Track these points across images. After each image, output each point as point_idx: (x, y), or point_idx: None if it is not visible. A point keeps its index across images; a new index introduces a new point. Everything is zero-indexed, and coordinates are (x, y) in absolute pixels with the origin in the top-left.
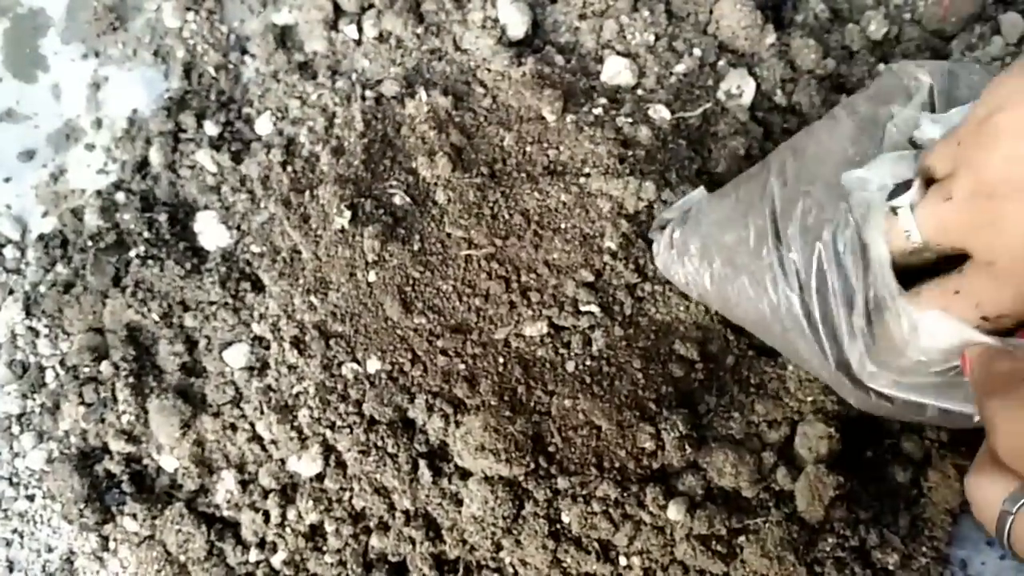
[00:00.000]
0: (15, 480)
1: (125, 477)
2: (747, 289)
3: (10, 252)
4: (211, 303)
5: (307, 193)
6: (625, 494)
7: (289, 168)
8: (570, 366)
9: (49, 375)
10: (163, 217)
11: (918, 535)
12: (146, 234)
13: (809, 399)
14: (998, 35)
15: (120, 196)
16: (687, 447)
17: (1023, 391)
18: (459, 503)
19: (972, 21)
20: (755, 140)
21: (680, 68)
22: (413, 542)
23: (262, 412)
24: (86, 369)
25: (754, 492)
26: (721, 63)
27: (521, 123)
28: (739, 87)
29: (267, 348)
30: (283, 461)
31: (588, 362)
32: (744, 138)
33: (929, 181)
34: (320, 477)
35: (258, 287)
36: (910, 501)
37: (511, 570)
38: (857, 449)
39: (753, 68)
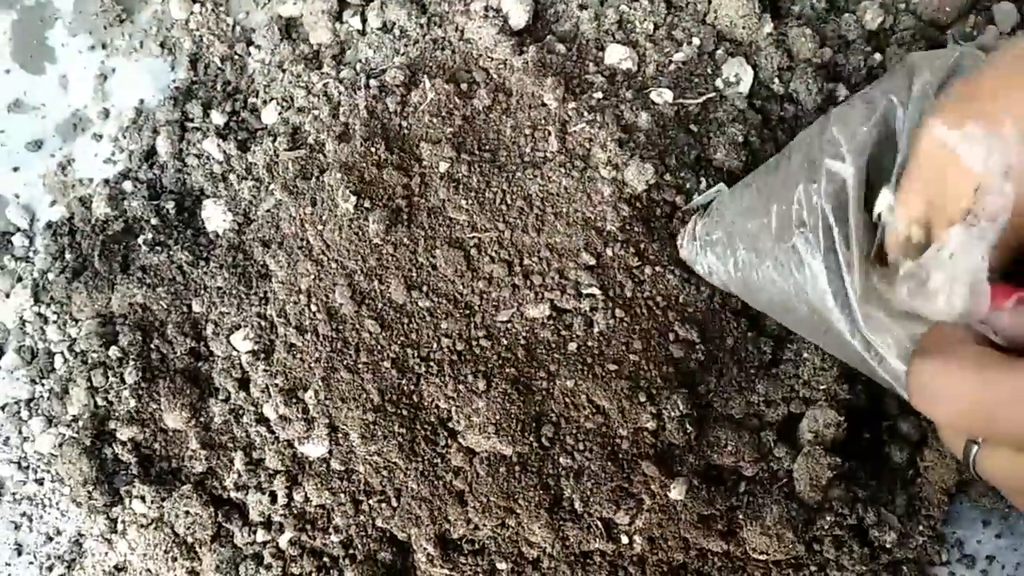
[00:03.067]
0: (24, 464)
1: (133, 460)
2: (771, 273)
3: (19, 240)
4: (218, 289)
5: (313, 180)
6: (627, 473)
7: (295, 155)
8: (572, 347)
9: (58, 360)
10: (170, 205)
11: (915, 514)
12: (154, 221)
13: (822, 387)
14: (992, 24)
15: (127, 185)
16: (688, 426)
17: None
18: (464, 482)
19: (967, 10)
20: (753, 128)
21: (679, 56)
22: (418, 521)
23: (269, 395)
24: (95, 354)
25: (754, 471)
26: (719, 52)
27: (523, 110)
28: (737, 75)
29: (273, 332)
30: (290, 443)
31: (590, 343)
32: (742, 125)
33: None
34: (326, 458)
35: (264, 272)
36: (907, 481)
37: (515, 548)
38: (855, 430)
39: (751, 57)
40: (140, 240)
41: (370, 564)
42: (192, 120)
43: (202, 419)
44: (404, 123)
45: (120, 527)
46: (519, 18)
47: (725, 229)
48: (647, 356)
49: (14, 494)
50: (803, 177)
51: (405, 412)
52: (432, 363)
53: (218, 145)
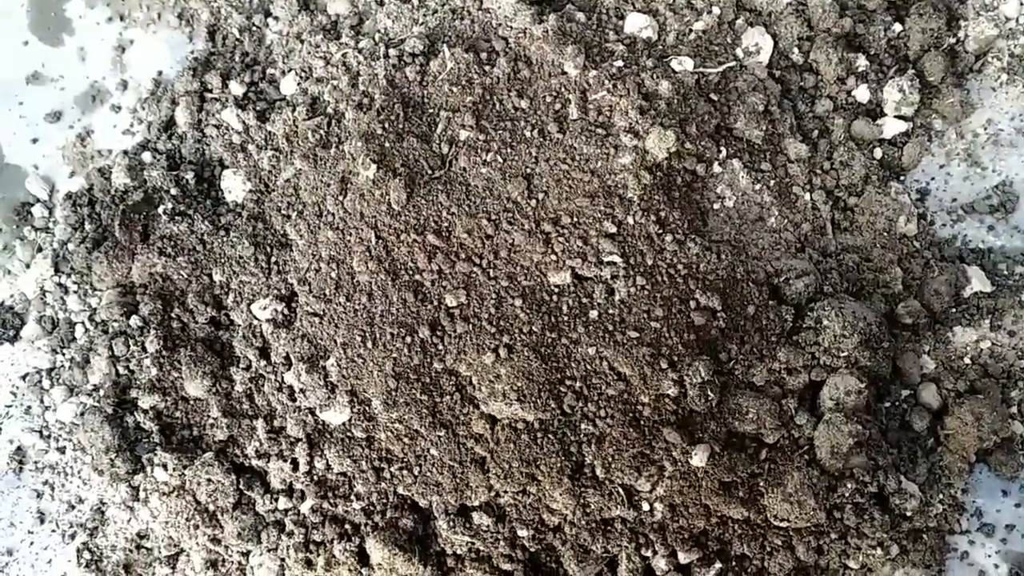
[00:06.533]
0: (46, 433)
1: (155, 428)
2: None
3: (39, 211)
4: (238, 258)
5: (332, 149)
6: (648, 440)
7: (314, 125)
8: (593, 315)
9: (79, 330)
10: (190, 175)
11: (935, 483)
12: (173, 191)
13: (843, 354)
14: None
15: (146, 155)
16: (709, 393)
17: None
18: (485, 449)
19: None
20: (773, 97)
21: (699, 25)
22: (439, 488)
23: (290, 363)
24: (115, 324)
25: (775, 438)
26: (739, 21)
27: (543, 79)
28: (757, 45)
29: (294, 300)
30: (311, 410)
31: (611, 311)
32: (762, 95)
33: None
34: (348, 425)
35: (285, 241)
36: (928, 449)
37: (536, 515)
38: (876, 398)
39: (771, 26)
40: (160, 210)
41: (391, 531)
42: (211, 91)
43: (223, 387)
44: (424, 92)
45: (142, 495)
46: None
47: None
48: (668, 323)
49: (36, 463)
50: None
51: (427, 379)
52: (453, 330)
53: (237, 115)
